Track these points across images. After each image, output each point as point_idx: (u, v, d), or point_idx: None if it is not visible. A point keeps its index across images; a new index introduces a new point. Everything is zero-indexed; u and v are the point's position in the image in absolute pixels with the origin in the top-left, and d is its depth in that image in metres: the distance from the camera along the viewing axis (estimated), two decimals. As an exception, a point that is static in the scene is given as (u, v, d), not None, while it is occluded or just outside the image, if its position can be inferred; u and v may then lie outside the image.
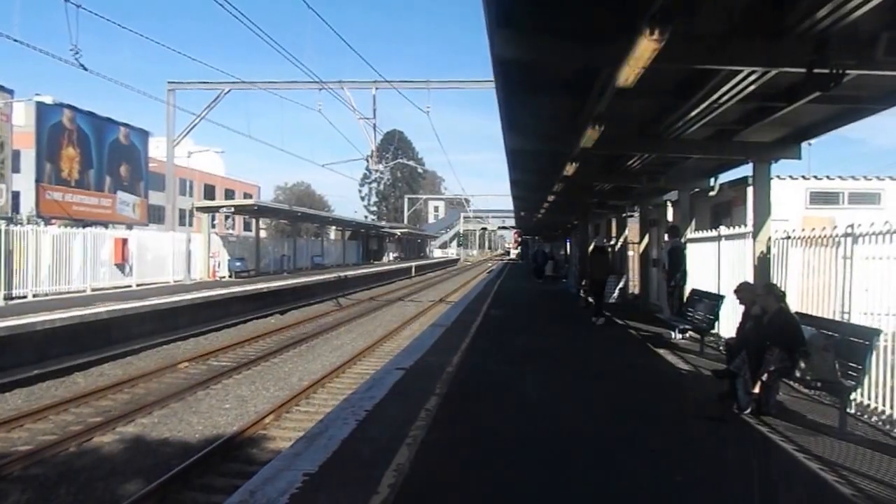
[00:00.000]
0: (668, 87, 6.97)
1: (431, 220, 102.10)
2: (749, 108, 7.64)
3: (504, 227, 73.43)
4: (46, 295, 16.77)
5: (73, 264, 18.17)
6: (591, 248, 18.99)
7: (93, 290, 18.49)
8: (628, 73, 4.40)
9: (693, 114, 7.18)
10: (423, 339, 10.78)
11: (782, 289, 6.63)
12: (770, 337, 5.95)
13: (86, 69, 14.11)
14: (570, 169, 9.78)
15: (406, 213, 73.70)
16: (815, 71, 4.72)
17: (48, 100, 19.87)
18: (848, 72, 4.73)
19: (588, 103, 6.56)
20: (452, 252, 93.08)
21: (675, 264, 11.22)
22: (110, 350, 13.80)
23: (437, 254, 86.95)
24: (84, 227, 20.05)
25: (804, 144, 9.19)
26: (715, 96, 6.31)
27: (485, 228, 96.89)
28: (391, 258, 59.68)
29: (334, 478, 4.15)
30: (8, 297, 15.50)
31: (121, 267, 20.18)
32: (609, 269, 15.22)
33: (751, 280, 7.95)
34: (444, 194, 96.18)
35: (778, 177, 12.80)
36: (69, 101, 21.52)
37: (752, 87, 5.94)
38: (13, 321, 11.83)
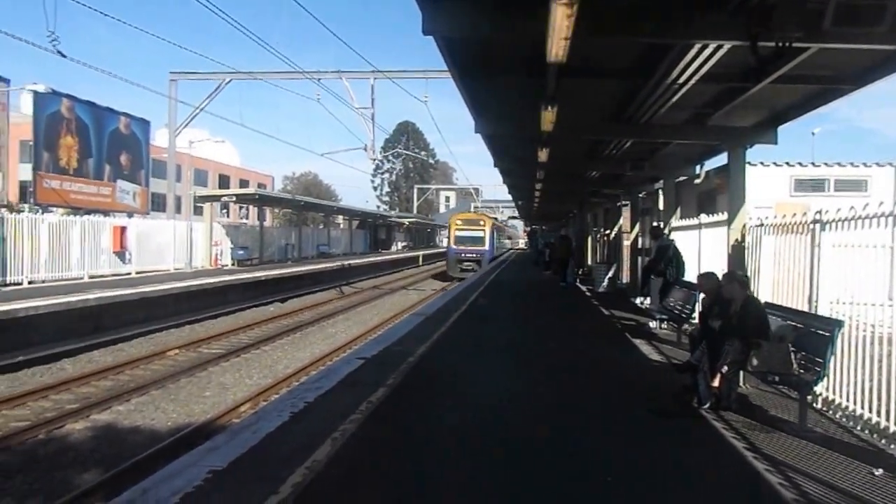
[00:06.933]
0: (624, 66, 6.66)
1: (443, 209, 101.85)
2: (719, 90, 7.31)
3: (514, 217, 72.97)
4: (44, 282, 16.90)
5: (72, 252, 18.30)
6: (559, 235, 26.27)
7: (91, 277, 18.63)
8: (555, 47, 4.13)
9: (657, 94, 6.86)
10: (398, 328, 10.62)
11: (748, 277, 6.31)
12: (736, 327, 5.69)
13: (63, 56, 14.09)
14: (542, 155, 9.45)
15: (415, 203, 73.38)
16: (760, 44, 4.41)
17: (41, 88, 19.94)
18: (795, 45, 4.39)
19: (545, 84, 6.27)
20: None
21: (664, 261, 10.86)
22: (102, 337, 13.85)
23: (447, 243, 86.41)
24: (84, 214, 20.17)
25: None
26: (673, 75, 5.98)
27: (495, 218, 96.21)
28: (399, 247, 59.58)
29: (239, 476, 3.98)
30: (2, 284, 15.66)
31: (120, 255, 20.31)
32: (569, 251, 20.95)
33: (726, 268, 7.65)
34: (455, 185, 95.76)
35: (762, 163, 12.37)
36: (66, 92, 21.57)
37: (710, 65, 5.62)
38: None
